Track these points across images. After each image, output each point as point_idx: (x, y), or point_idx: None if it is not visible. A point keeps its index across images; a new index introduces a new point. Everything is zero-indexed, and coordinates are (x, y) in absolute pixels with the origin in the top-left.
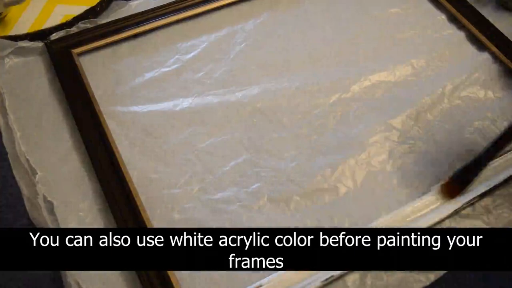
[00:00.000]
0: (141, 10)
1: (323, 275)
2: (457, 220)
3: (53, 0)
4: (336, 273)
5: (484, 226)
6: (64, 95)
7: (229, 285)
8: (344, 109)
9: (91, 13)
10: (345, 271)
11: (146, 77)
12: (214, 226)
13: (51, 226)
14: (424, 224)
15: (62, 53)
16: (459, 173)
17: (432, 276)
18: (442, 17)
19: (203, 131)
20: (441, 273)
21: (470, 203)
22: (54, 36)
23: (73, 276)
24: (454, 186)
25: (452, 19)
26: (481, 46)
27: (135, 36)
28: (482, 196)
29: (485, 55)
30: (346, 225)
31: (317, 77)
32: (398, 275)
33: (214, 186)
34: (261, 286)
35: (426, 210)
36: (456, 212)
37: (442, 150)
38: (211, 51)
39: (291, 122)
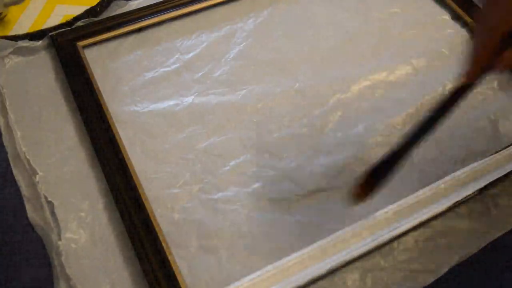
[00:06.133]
0: None
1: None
2: (458, 220)
3: (53, 0)
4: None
5: (484, 225)
6: (66, 92)
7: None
8: (344, 109)
9: (91, 13)
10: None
11: (146, 77)
12: (214, 226)
13: (51, 226)
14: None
15: (67, 45)
16: (374, 168)
17: (432, 276)
18: (445, 16)
19: (203, 131)
20: (441, 272)
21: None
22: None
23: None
24: (366, 186)
25: (456, 18)
26: None
27: (137, 30)
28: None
29: None
30: (347, 225)
31: (317, 77)
32: (398, 274)
33: (214, 186)
34: (260, 275)
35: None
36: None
37: (442, 150)
38: (211, 51)
39: (291, 122)
